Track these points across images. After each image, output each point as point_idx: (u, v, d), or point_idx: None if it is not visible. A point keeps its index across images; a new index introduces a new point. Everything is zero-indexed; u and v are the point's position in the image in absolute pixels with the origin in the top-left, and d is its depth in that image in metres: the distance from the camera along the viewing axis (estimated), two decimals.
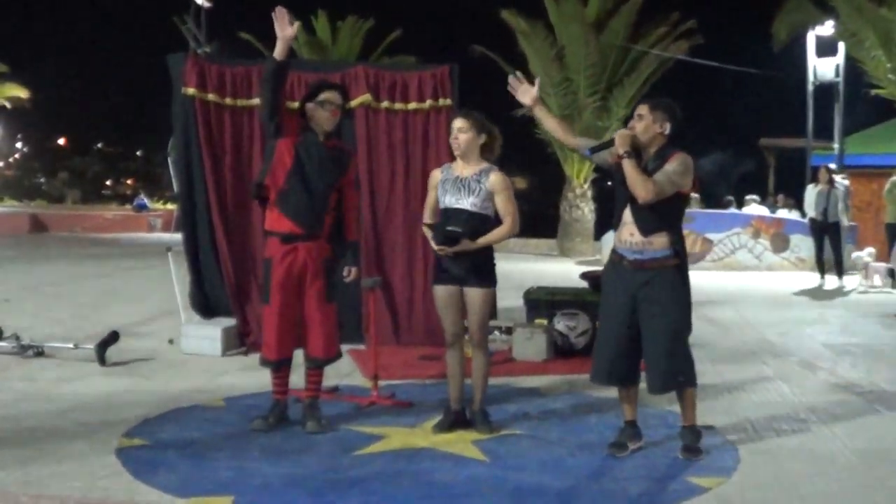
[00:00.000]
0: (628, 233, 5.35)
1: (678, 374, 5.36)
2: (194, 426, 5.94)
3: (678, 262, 5.36)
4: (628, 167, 5.24)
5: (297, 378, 6.11)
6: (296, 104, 7.95)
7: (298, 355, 5.98)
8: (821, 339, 9.88)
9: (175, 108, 8.67)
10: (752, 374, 7.92)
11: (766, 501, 4.69)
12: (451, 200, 5.79)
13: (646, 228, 5.30)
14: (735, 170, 30.81)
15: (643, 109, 5.40)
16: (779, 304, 13.17)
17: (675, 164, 5.28)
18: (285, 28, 5.51)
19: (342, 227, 5.98)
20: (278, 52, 5.57)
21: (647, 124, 5.35)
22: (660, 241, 5.31)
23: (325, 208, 5.84)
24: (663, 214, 5.32)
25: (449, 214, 5.78)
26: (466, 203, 5.75)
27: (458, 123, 5.85)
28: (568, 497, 4.70)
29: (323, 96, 5.80)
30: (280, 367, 5.93)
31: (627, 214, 5.35)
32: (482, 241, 5.75)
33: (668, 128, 5.37)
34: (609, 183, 6.18)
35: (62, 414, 6.20)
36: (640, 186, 5.20)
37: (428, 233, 5.92)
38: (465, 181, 5.80)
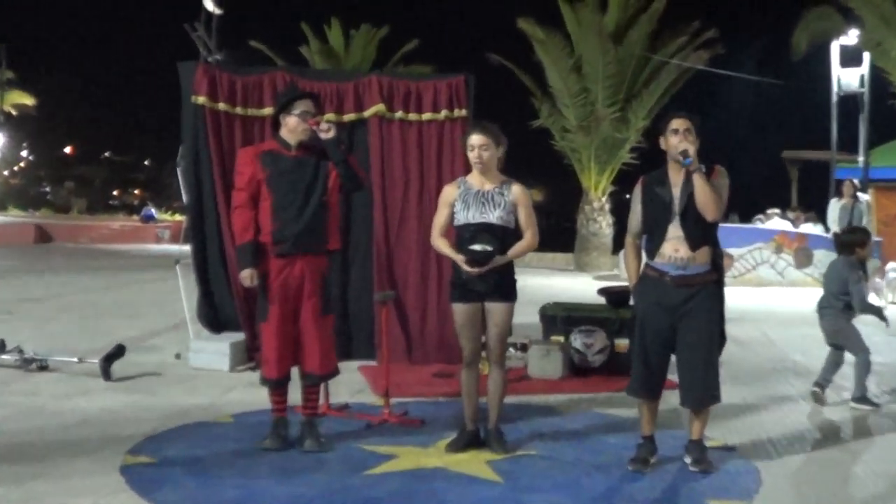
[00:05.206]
0: (672, 248, 5.29)
1: (713, 389, 5.40)
2: (201, 443, 5.86)
3: (717, 277, 5.38)
4: (703, 184, 5.19)
5: (296, 394, 6.00)
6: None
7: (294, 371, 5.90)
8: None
9: (185, 117, 8.59)
10: (775, 394, 7.83)
11: None
12: (475, 215, 5.65)
13: (695, 243, 5.26)
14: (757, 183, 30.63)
15: (689, 123, 5.31)
16: (802, 322, 12.91)
17: (723, 178, 5.33)
18: None
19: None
20: None
21: (695, 138, 5.30)
22: (702, 256, 5.30)
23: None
24: (708, 228, 5.31)
25: (473, 229, 5.63)
26: (493, 217, 5.64)
27: (480, 140, 5.70)
28: None
29: (300, 106, 5.72)
30: (281, 385, 5.84)
31: (673, 230, 5.29)
32: (510, 254, 5.67)
33: (699, 141, 5.35)
34: (627, 196, 6.05)
35: (66, 430, 6.13)
36: (715, 203, 5.20)
37: (444, 250, 5.78)
38: (488, 194, 5.69)
